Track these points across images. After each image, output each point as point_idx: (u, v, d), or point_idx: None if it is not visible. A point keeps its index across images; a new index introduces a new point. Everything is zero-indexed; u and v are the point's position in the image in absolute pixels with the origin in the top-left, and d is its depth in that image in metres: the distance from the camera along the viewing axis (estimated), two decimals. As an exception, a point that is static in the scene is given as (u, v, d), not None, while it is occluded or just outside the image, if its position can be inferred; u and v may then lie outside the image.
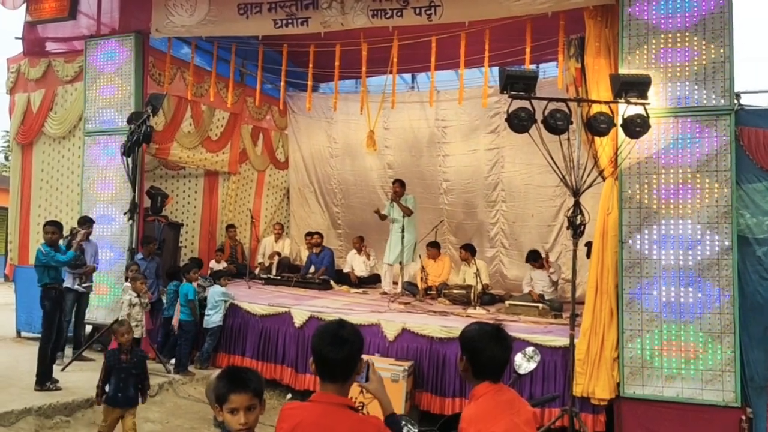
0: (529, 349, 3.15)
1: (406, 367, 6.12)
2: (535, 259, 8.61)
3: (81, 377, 6.69)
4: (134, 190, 7.51)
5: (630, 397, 5.50)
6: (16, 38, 9.30)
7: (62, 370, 6.88)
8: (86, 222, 7.42)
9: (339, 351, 2.28)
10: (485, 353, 2.46)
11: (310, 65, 8.50)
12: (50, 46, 9.21)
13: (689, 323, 5.41)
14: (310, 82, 8.72)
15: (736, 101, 5.50)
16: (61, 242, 6.61)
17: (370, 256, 10.47)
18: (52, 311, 6.41)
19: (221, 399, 2.30)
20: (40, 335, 6.56)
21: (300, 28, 7.49)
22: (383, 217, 9.27)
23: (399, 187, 9.11)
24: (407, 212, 8.93)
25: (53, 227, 6.43)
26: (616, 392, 5.55)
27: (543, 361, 5.90)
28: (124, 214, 7.56)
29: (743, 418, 5.20)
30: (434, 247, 9.39)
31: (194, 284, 7.51)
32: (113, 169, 8.12)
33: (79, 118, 8.71)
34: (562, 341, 5.85)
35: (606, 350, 5.60)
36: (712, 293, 5.36)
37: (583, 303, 5.99)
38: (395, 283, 9.16)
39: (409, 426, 2.76)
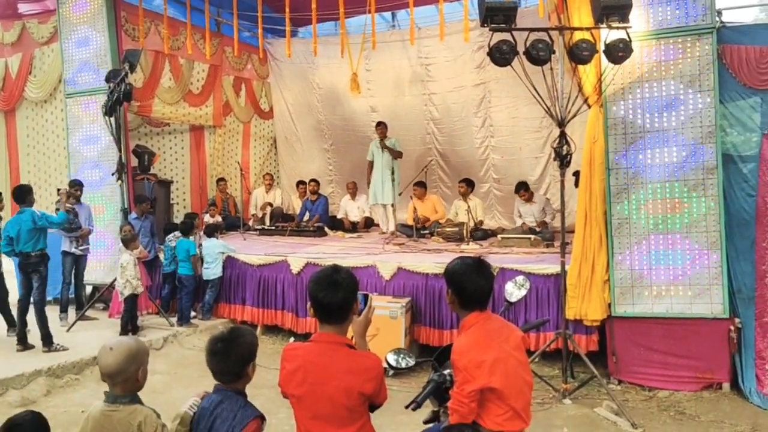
0: (520, 278, 3.24)
1: (404, 304, 6.26)
2: (526, 189, 8.75)
3: (86, 336, 6.85)
4: (120, 150, 7.47)
5: (621, 316, 5.67)
6: (-15, 2, 9.06)
7: (67, 331, 7.03)
8: (75, 185, 7.44)
9: (334, 295, 2.38)
10: (470, 285, 2.60)
11: (287, 9, 8.29)
12: (23, 8, 8.98)
13: (677, 242, 5.53)
14: (288, 28, 8.52)
15: (717, 18, 5.45)
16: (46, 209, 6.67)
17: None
18: (47, 275, 6.51)
19: None
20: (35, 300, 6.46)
21: (273, -29, 7.30)
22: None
23: (384, 128, 9.22)
24: (397, 155, 9.11)
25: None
26: (608, 312, 5.72)
27: (537, 288, 6.09)
28: (113, 174, 7.54)
29: (731, 328, 5.38)
30: (420, 187, 9.45)
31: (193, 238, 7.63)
32: (97, 129, 8.05)
33: (59, 80, 8.57)
34: (554, 269, 6.00)
35: (597, 274, 5.73)
36: (699, 212, 5.45)
37: (573, 232, 6.10)
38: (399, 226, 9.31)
39: (407, 359, 2.88)
